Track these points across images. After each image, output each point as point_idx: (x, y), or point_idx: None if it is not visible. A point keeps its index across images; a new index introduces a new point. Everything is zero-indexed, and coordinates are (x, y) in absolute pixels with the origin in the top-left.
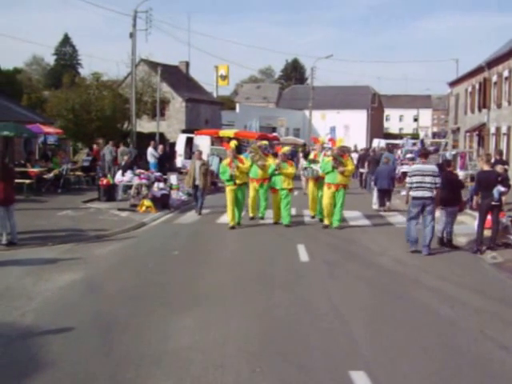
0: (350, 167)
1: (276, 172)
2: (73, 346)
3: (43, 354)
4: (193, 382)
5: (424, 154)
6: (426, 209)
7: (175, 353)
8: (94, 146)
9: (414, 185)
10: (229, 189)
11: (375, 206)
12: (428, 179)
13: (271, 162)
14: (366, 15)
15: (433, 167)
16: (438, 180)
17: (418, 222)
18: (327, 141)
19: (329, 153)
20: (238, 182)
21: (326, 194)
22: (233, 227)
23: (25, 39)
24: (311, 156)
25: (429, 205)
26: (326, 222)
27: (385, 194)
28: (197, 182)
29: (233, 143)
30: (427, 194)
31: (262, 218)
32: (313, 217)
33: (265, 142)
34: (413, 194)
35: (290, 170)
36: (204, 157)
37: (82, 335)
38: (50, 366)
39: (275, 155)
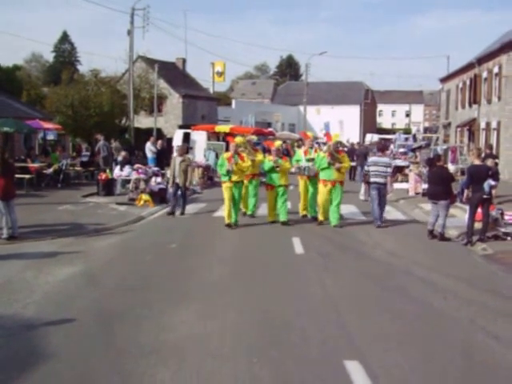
0: (347, 164)
1: (278, 169)
2: (73, 337)
3: (44, 345)
4: (191, 372)
5: (381, 148)
6: (380, 192)
7: (174, 344)
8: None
9: (372, 173)
10: (225, 186)
11: (362, 197)
12: (382, 169)
13: (260, 157)
14: (359, 13)
15: (386, 159)
16: (389, 170)
17: (376, 202)
18: (323, 136)
19: (324, 148)
20: (234, 178)
21: (323, 191)
22: (229, 225)
23: (24, 37)
24: (300, 152)
25: (382, 189)
26: (321, 217)
27: None
28: (176, 180)
29: (238, 139)
30: (381, 180)
31: (252, 216)
32: (304, 216)
33: (253, 137)
34: (371, 179)
35: (286, 165)
36: (201, 152)
37: (82, 327)
38: (51, 357)
39: (267, 151)
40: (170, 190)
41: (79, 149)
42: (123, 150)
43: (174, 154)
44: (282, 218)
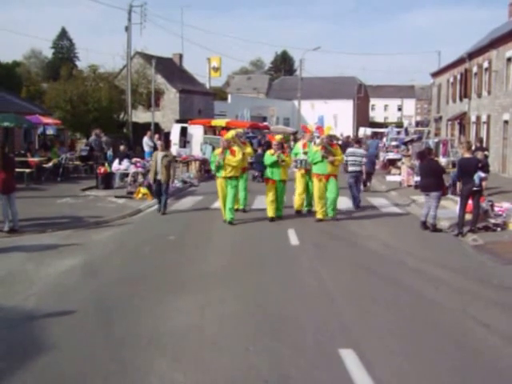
0: (340, 156)
1: (283, 163)
2: (74, 327)
3: (45, 335)
4: (189, 360)
5: (357, 141)
6: (357, 179)
7: (172, 333)
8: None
9: (350, 162)
10: (217, 182)
11: None
12: (358, 159)
13: (249, 150)
14: (353, 9)
15: (361, 151)
16: (364, 160)
17: (354, 188)
18: (315, 129)
19: (318, 141)
20: (223, 174)
21: (317, 186)
22: (230, 221)
23: (23, 33)
24: (299, 145)
25: (358, 176)
26: (320, 215)
27: (366, 177)
28: (158, 176)
29: (230, 133)
30: (357, 168)
31: (245, 211)
32: (298, 211)
33: (240, 130)
34: (349, 168)
35: (287, 159)
36: (197, 145)
37: (82, 318)
38: (52, 347)
39: (268, 144)
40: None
41: (72, 144)
42: (122, 145)
43: (173, 147)
44: (279, 213)
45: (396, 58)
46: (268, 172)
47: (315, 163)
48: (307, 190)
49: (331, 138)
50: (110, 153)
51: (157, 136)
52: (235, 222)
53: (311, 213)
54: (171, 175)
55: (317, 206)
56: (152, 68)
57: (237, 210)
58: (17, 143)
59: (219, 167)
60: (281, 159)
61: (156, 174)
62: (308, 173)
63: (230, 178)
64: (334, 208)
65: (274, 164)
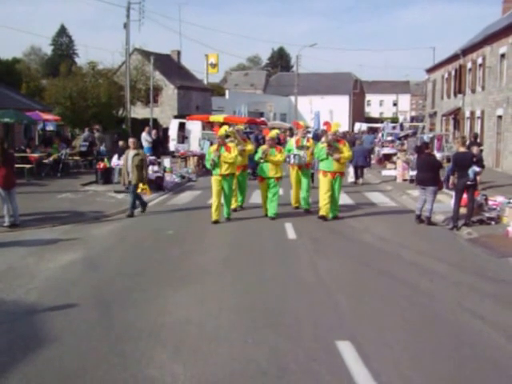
0: (347, 154)
1: (261, 160)
2: (75, 321)
3: (47, 329)
4: (189, 353)
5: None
6: None
7: (172, 326)
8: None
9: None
10: (213, 178)
11: (351, 179)
12: None
13: (250, 147)
14: (349, 5)
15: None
16: None
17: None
18: (322, 125)
19: (323, 139)
20: (221, 171)
21: (323, 182)
22: (216, 222)
23: (23, 30)
24: (292, 141)
25: None
26: (323, 212)
27: (360, 170)
28: (130, 177)
29: (223, 129)
30: None
31: (241, 208)
32: (296, 207)
33: (241, 127)
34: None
35: (278, 156)
36: (195, 141)
37: (83, 311)
38: (54, 340)
39: (263, 140)
40: (169, 176)
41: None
42: (120, 141)
43: (171, 142)
44: (270, 213)
45: (391, 54)
46: (259, 169)
47: (321, 160)
48: (303, 188)
49: (338, 134)
50: (102, 148)
51: (154, 132)
52: (232, 217)
53: (308, 212)
54: (144, 175)
55: (321, 203)
56: (150, 64)
57: (234, 210)
58: (17, 139)
59: (215, 165)
60: (264, 154)
61: (128, 174)
62: (303, 170)
63: (228, 175)
64: (337, 208)
65: (262, 161)
